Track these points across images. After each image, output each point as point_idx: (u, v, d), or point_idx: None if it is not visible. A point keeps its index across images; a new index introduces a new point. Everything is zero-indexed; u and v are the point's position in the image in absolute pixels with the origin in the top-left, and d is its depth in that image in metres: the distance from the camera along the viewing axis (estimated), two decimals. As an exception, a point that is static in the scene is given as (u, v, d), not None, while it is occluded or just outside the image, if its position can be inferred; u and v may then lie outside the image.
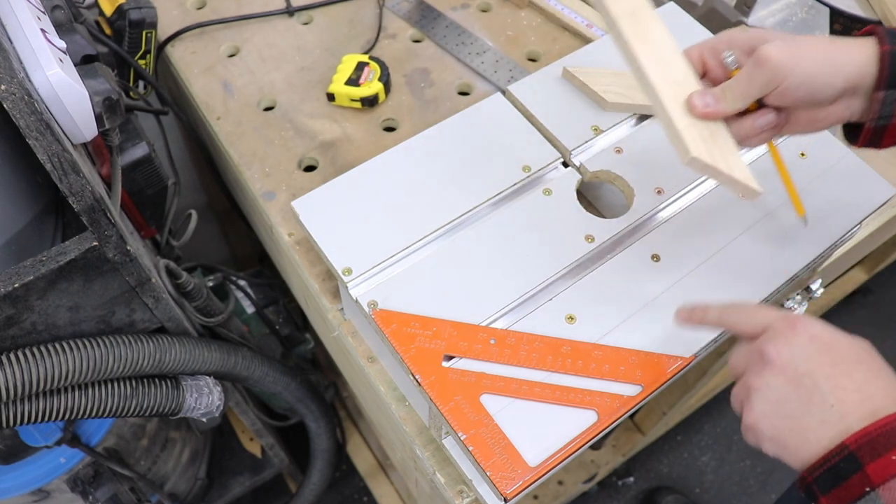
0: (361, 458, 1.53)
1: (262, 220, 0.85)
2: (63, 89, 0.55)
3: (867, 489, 0.42)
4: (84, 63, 0.66)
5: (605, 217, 0.68)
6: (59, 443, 0.81)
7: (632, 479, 1.64)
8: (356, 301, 0.62)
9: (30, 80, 0.53)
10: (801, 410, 0.45)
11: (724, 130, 0.56)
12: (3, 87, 0.49)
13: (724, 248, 0.65)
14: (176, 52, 0.91)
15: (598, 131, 0.73)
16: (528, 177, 0.69)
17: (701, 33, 0.81)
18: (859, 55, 0.51)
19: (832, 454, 0.43)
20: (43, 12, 0.61)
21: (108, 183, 0.72)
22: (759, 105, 0.56)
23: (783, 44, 0.51)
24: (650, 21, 0.58)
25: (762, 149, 0.72)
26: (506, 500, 0.54)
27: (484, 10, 0.97)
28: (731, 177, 0.54)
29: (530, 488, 0.55)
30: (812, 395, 0.45)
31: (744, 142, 0.57)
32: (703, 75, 0.59)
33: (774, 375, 0.47)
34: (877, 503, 0.41)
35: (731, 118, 0.56)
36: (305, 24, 0.95)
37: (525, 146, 0.72)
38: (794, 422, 0.45)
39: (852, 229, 0.68)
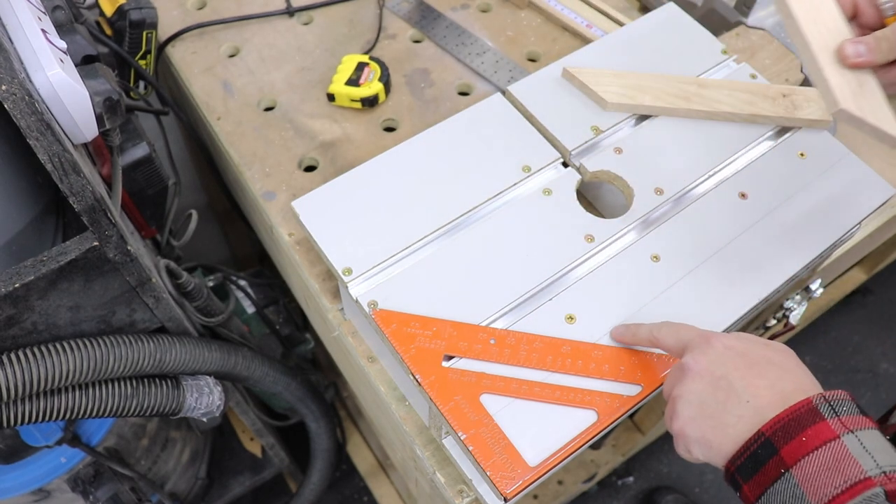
0: (361, 458, 1.53)
1: (262, 220, 0.85)
2: (63, 90, 0.55)
3: (782, 470, 0.45)
4: (84, 63, 0.67)
5: (605, 217, 0.68)
6: (59, 442, 0.82)
7: (632, 478, 1.64)
8: (356, 301, 0.62)
9: (30, 81, 0.54)
10: (720, 410, 0.49)
11: (872, 80, 0.55)
12: (3, 87, 0.49)
13: (724, 248, 0.65)
14: (176, 53, 0.91)
15: (598, 131, 0.73)
16: (528, 177, 0.70)
17: (701, 34, 0.81)
18: None
19: (751, 442, 0.47)
20: (43, 13, 0.61)
21: (108, 183, 0.72)
22: None
23: None
24: None
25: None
26: (506, 500, 0.54)
27: (484, 11, 0.97)
28: (879, 129, 0.54)
29: (530, 488, 0.55)
30: (729, 394, 0.49)
31: (887, 89, 0.56)
32: (853, 18, 0.57)
33: (694, 382, 0.51)
34: (790, 482, 0.44)
35: (879, 66, 0.55)
36: (305, 24, 0.95)
37: (525, 146, 0.72)
38: (715, 420, 0.49)
39: (852, 229, 0.68)
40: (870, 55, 0.54)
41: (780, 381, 0.48)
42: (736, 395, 0.48)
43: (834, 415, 0.45)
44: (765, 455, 0.46)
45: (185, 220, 0.92)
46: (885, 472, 0.42)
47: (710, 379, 0.50)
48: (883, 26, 0.55)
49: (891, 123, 0.54)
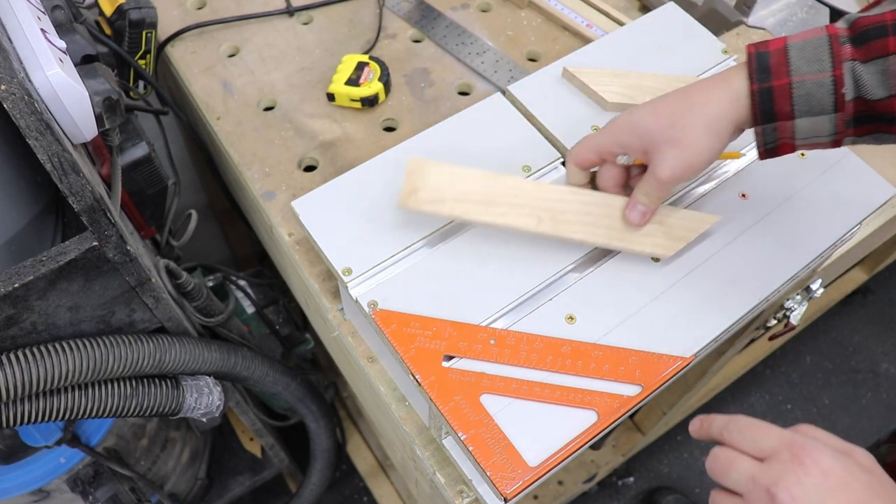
0: (361, 458, 1.53)
1: (262, 220, 0.85)
2: (63, 89, 0.55)
3: None
4: (84, 63, 0.66)
5: (605, 217, 0.68)
6: (59, 443, 0.82)
7: (632, 479, 1.64)
8: (356, 301, 0.62)
9: (30, 80, 0.53)
10: None
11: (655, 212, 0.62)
12: (3, 87, 0.49)
13: (725, 248, 0.65)
14: (176, 52, 0.91)
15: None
16: (528, 177, 0.69)
17: (701, 33, 0.81)
18: (733, 118, 0.55)
19: None
20: (43, 12, 0.61)
21: (108, 183, 0.72)
22: None
23: (673, 160, 0.56)
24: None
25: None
26: (506, 500, 0.54)
27: (484, 10, 0.97)
28: (691, 240, 0.63)
29: (530, 488, 0.55)
30: None
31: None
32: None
33: None
34: None
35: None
36: (305, 24, 0.95)
37: (525, 146, 0.72)
38: None
39: (852, 229, 0.68)
40: (651, 204, 0.60)
41: None
42: None
43: None
44: None
45: (184, 220, 0.92)
46: None
47: None
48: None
49: (704, 219, 0.63)
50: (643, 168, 0.61)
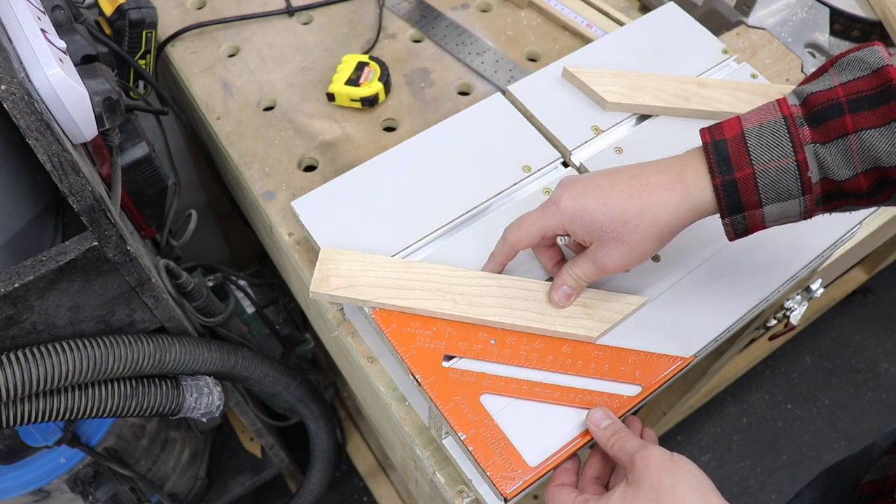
0: (361, 458, 1.53)
1: (262, 220, 0.85)
2: (63, 89, 0.55)
3: None
4: (84, 63, 0.66)
5: (605, 217, 0.68)
6: (59, 443, 0.82)
7: (632, 479, 1.64)
8: (356, 301, 0.62)
9: (30, 80, 0.53)
10: None
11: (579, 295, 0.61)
12: (3, 87, 0.49)
13: (724, 248, 0.65)
14: (176, 52, 0.91)
15: (598, 131, 0.73)
16: (528, 177, 0.69)
17: (701, 33, 0.81)
18: (684, 224, 0.54)
19: None
20: (43, 12, 0.61)
21: (108, 183, 0.72)
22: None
23: (619, 257, 0.55)
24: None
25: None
26: (506, 500, 0.54)
27: (484, 10, 0.97)
28: (616, 322, 0.60)
29: (530, 488, 0.55)
30: None
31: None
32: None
33: None
34: None
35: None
36: (305, 24, 0.95)
37: (525, 146, 0.72)
38: None
39: (852, 229, 0.68)
40: (578, 288, 0.59)
41: None
42: None
43: None
44: None
45: (184, 220, 0.92)
46: None
47: None
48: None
49: (629, 301, 0.61)
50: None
